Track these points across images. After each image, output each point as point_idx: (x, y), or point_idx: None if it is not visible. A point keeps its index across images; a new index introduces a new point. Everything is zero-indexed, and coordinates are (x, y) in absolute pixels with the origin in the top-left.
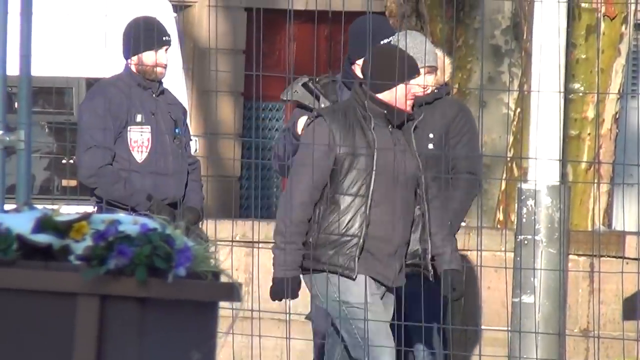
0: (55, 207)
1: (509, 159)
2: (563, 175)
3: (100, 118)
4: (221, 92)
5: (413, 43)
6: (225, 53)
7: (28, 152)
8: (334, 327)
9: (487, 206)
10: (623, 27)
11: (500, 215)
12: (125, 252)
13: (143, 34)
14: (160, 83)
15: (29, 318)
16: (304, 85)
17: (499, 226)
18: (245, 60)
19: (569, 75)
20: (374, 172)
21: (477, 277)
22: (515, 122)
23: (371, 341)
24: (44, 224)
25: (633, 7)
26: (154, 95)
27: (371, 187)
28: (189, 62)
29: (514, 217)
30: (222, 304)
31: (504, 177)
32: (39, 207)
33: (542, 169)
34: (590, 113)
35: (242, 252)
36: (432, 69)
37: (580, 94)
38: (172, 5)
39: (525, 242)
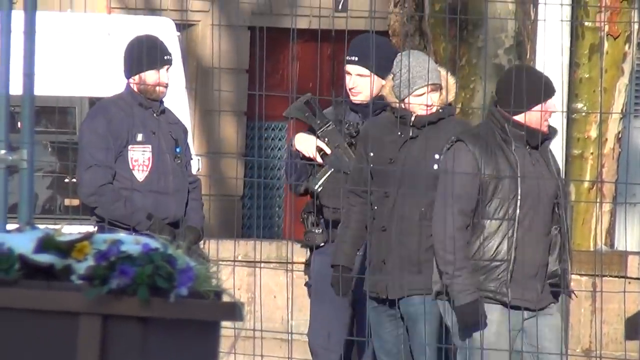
0: (57, 226)
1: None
2: (565, 195)
3: (101, 137)
4: (224, 112)
5: (416, 62)
6: (228, 72)
7: (30, 172)
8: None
9: None
10: (626, 47)
11: None
12: (127, 272)
13: (144, 53)
14: (161, 102)
15: (31, 338)
16: (306, 103)
17: None
18: (249, 79)
19: (572, 94)
20: (519, 195)
21: None
22: None
23: None
24: (46, 243)
25: (637, 26)
26: (155, 115)
27: (517, 211)
28: (192, 82)
29: None
30: (224, 323)
31: None
32: (41, 226)
33: None
34: (593, 132)
35: (245, 271)
36: (436, 87)
37: (583, 114)
38: (176, 24)
39: None
